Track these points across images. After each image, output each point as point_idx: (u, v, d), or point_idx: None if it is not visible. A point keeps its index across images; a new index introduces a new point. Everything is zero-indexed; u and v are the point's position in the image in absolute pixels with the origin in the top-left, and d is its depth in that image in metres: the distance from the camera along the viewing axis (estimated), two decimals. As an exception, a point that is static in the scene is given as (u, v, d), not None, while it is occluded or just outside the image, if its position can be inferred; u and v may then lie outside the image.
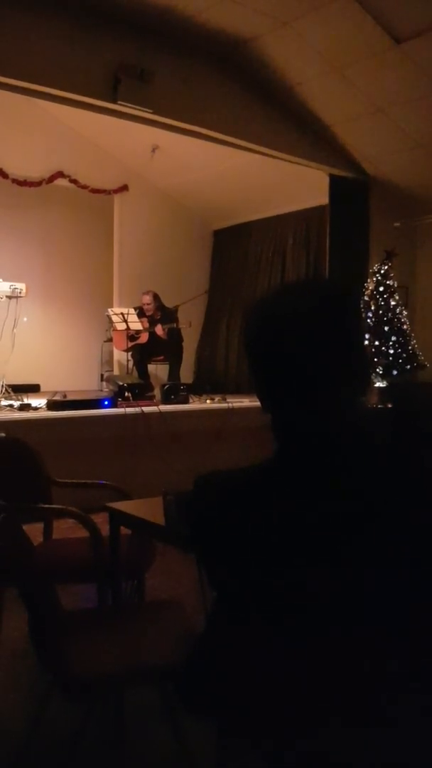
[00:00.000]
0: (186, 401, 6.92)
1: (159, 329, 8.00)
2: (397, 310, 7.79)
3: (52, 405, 5.97)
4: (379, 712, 1.10)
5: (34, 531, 3.22)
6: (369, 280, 7.97)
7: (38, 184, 8.84)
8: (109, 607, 2.95)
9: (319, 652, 1.12)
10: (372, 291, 7.84)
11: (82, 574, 3.11)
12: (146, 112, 6.47)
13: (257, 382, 1.22)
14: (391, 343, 7.65)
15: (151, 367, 8.52)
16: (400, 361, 7.66)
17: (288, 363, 1.16)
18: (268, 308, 1.22)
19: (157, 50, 6.46)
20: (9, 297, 6.52)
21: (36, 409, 5.96)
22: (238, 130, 7.17)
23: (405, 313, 7.89)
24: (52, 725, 2.39)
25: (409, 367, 7.70)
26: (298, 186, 8.63)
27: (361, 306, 7.69)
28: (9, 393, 6.44)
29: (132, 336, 8.22)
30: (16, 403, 6.06)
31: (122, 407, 6.12)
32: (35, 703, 2.49)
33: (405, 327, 7.77)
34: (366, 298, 7.82)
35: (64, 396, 6.40)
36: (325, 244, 8.58)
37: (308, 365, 1.14)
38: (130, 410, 6.07)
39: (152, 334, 8.23)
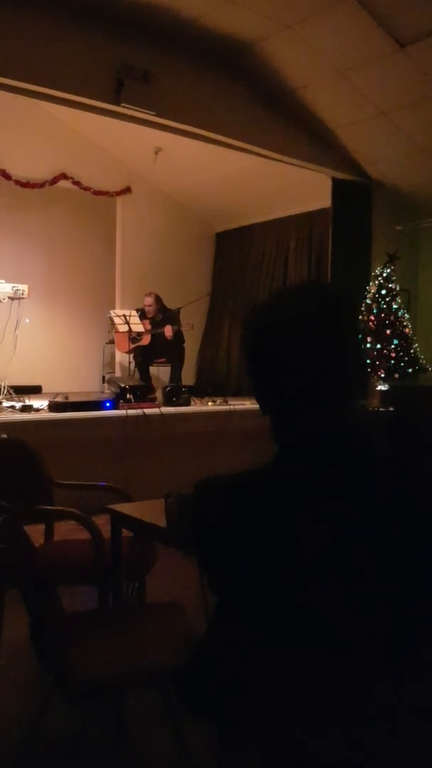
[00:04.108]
0: (187, 403, 6.92)
1: (168, 330, 8.01)
2: (399, 314, 7.79)
3: (53, 406, 5.98)
4: (380, 714, 1.10)
5: (36, 532, 3.22)
6: (371, 283, 7.97)
7: (41, 185, 8.86)
8: (110, 609, 2.95)
9: (321, 654, 1.12)
10: (374, 294, 7.84)
11: (83, 575, 3.10)
12: (149, 114, 6.48)
13: (256, 386, 1.22)
14: (393, 346, 7.65)
15: (152, 369, 8.53)
16: (402, 364, 7.66)
17: (285, 367, 1.16)
18: (266, 313, 1.23)
19: (160, 52, 6.47)
20: (11, 298, 6.53)
21: (38, 410, 5.96)
22: (241, 132, 7.18)
23: (407, 316, 7.89)
24: (53, 727, 2.39)
25: (410, 370, 7.70)
26: (301, 189, 8.64)
27: (359, 309, 7.70)
28: (11, 394, 6.45)
29: (134, 338, 8.23)
30: (18, 405, 6.07)
31: (124, 409, 6.12)
32: (36, 704, 2.49)
33: (407, 330, 7.77)
34: (368, 301, 7.82)
35: (66, 397, 6.40)
36: (328, 247, 8.58)
37: (306, 369, 1.15)
38: (131, 412, 6.07)
39: (154, 336, 8.24)
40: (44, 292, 8.91)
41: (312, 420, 1.16)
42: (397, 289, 7.90)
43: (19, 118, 7.99)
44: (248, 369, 1.23)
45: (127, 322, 7.88)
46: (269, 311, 1.23)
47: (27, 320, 7.04)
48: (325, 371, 1.15)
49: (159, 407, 6.42)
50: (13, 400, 6.28)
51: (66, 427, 5.68)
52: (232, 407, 6.83)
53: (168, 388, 7.01)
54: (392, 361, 7.64)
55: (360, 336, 1.56)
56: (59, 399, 6.21)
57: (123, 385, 6.43)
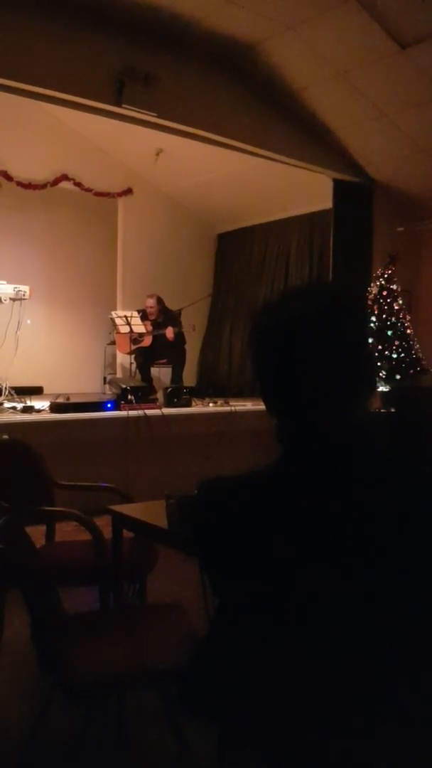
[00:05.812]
0: (188, 404, 6.92)
1: (169, 331, 8.02)
2: (401, 314, 7.79)
3: (55, 407, 5.98)
4: (382, 717, 1.10)
5: (37, 533, 3.22)
6: (372, 284, 7.97)
7: (43, 186, 8.86)
8: (110, 610, 2.95)
9: (322, 657, 1.12)
10: (375, 295, 7.84)
11: (84, 576, 3.11)
12: (150, 115, 6.49)
13: (263, 386, 1.22)
14: (394, 347, 7.65)
15: (153, 370, 8.53)
16: (403, 365, 7.66)
17: (293, 367, 1.16)
18: (274, 312, 1.22)
19: (162, 54, 6.48)
20: (13, 299, 6.53)
21: (39, 411, 5.96)
22: (243, 133, 7.18)
23: (408, 317, 7.89)
24: (53, 727, 2.39)
25: (412, 371, 7.70)
26: (302, 190, 8.64)
27: (367, 309, 7.70)
28: (12, 395, 6.45)
29: (135, 339, 8.23)
30: (19, 405, 6.07)
31: (125, 410, 6.12)
32: (37, 705, 2.49)
33: (408, 331, 7.78)
34: (369, 302, 7.83)
35: (67, 398, 6.40)
36: (329, 248, 8.58)
37: (314, 369, 1.14)
38: (132, 413, 6.07)
39: (156, 337, 8.24)
40: (46, 294, 8.91)
41: (318, 420, 1.16)
42: (398, 289, 7.90)
43: (20, 120, 7.99)
44: (255, 369, 1.23)
45: (129, 323, 7.88)
46: (277, 311, 1.22)
47: (28, 321, 7.05)
48: (332, 371, 1.15)
49: (160, 408, 6.42)
50: (14, 401, 6.28)
51: (67, 428, 5.68)
52: (233, 408, 6.82)
53: (169, 389, 7.01)
54: (393, 362, 7.64)
55: (368, 336, 1.55)
56: (60, 400, 6.22)
57: (124, 386, 6.43)
